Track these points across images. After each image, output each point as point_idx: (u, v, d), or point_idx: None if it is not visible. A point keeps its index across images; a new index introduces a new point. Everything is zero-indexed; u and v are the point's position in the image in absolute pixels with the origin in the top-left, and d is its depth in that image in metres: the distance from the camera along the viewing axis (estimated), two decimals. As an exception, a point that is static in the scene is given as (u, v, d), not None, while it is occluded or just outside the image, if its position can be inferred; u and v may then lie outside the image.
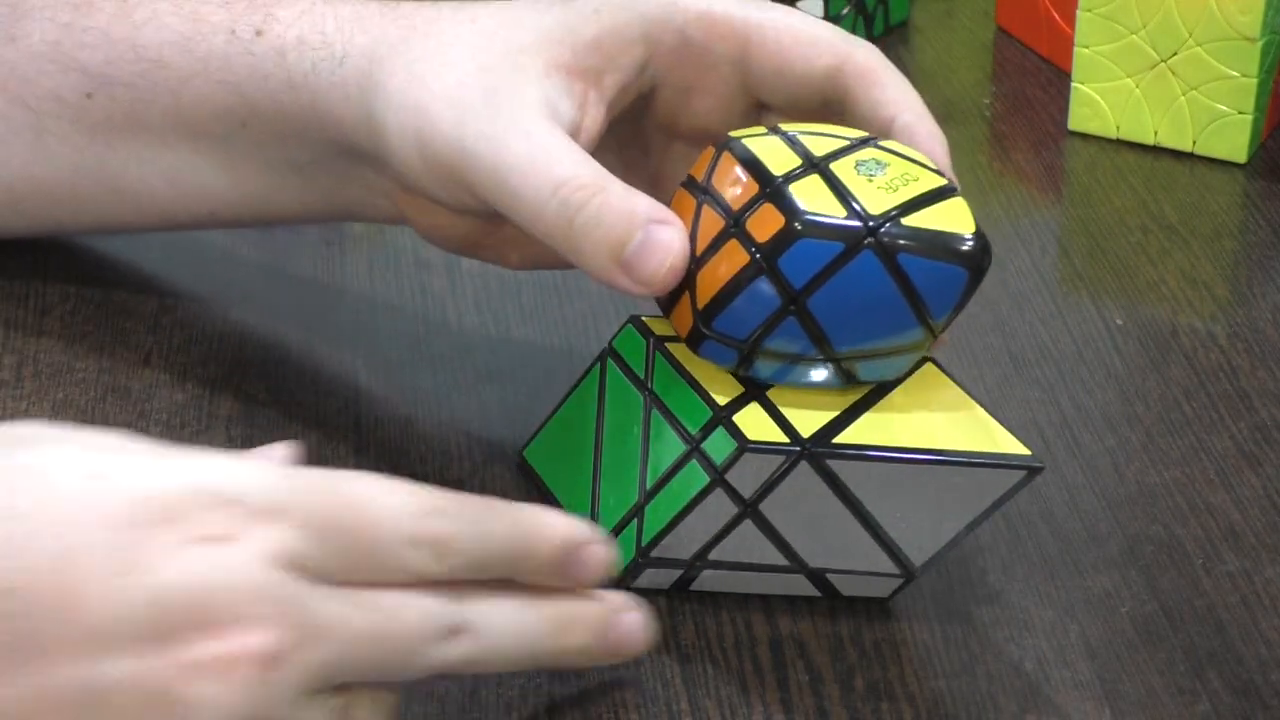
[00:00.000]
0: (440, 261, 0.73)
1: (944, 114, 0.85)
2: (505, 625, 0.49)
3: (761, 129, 0.57)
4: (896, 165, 0.55)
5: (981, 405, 0.56)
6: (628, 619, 0.52)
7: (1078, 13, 0.81)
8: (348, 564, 0.47)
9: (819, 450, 0.53)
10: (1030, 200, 0.80)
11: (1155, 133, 0.82)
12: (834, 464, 0.53)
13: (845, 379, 0.54)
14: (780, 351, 0.54)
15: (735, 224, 0.53)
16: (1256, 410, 0.66)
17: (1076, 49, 0.82)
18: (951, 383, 0.56)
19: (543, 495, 0.59)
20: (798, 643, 0.56)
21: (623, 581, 0.56)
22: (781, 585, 0.57)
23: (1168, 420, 0.65)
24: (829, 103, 0.60)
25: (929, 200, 0.54)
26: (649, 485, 0.55)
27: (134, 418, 0.63)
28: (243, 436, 0.63)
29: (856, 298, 0.53)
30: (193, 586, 0.45)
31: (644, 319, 0.57)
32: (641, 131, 0.62)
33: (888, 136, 0.57)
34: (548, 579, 0.50)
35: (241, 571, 0.45)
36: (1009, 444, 0.55)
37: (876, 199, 0.53)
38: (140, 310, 0.69)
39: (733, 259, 0.53)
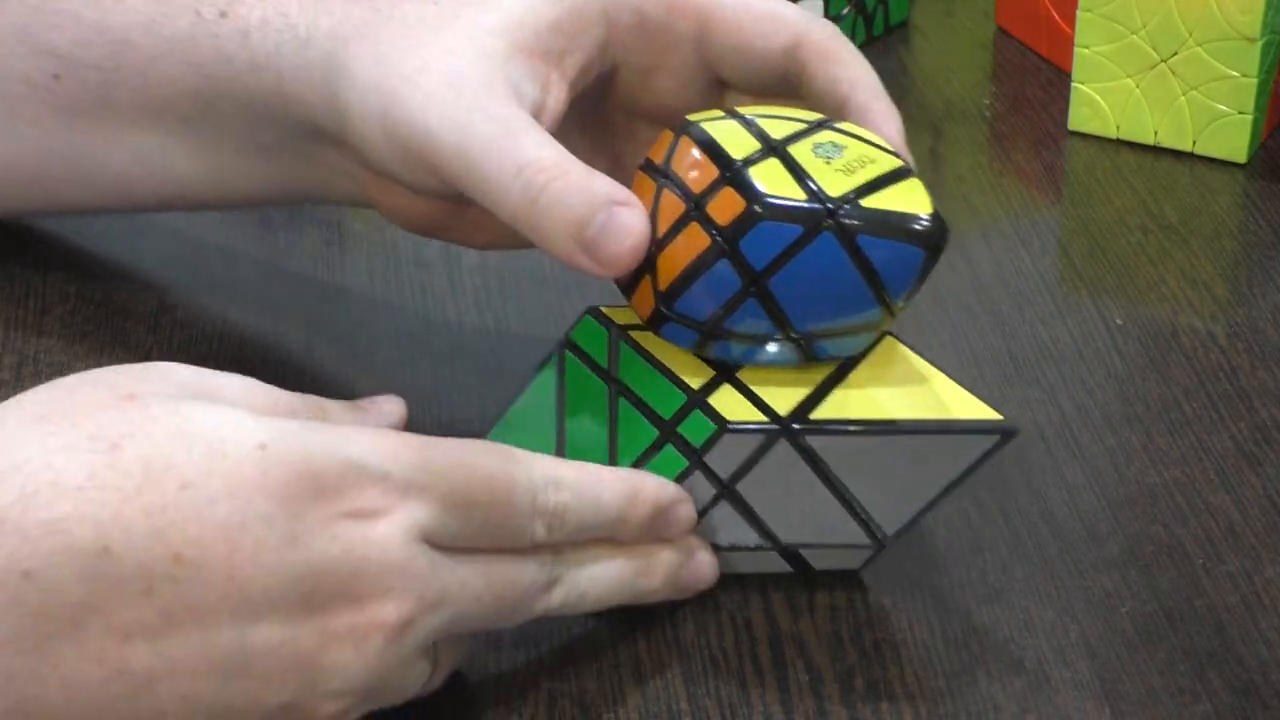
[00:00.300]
0: (440, 261, 0.73)
1: (944, 114, 0.85)
2: (596, 575, 0.54)
3: (718, 112, 0.57)
4: (853, 147, 0.55)
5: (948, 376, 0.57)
6: (698, 559, 0.56)
7: (1078, 13, 0.81)
8: (476, 534, 0.51)
9: (798, 428, 0.54)
10: (1030, 200, 0.80)
11: (1155, 133, 0.82)
12: (812, 440, 0.54)
13: (805, 357, 0.55)
14: (741, 332, 0.54)
15: (696, 207, 0.54)
16: (1256, 410, 0.66)
17: (1076, 49, 0.82)
18: (914, 354, 0.57)
19: None
20: (798, 643, 0.56)
21: None
22: (754, 564, 0.57)
23: (1168, 420, 0.65)
24: (787, 79, 0.61)
25: (886, 182, 0.54)
26: None
27: (134, 418, 0.63)
28: (243, 436, 0.63)
29: (816, 279, 0.54)
30: (343, 560, 0.48)
31: (602, 309, 0.57)
32: (603, 112, 0.63)
33: (843, 113, 0.59)
34: (640, 538, 0.54)
35: (386, 546, 0.48)
36: (981, 410, 0.56)
37: (835, 181, 0.54)
38: (140, 310, 0.69)
39: (694, 242, 0.54)
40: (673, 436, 0.54)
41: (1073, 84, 0.83)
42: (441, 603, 0.49)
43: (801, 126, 0.56)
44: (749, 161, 0.54)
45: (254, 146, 0.64)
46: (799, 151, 0.55)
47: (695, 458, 0.54)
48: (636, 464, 0.55)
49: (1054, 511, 0.61)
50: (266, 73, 0.61)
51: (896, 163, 0.55)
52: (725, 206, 0.54)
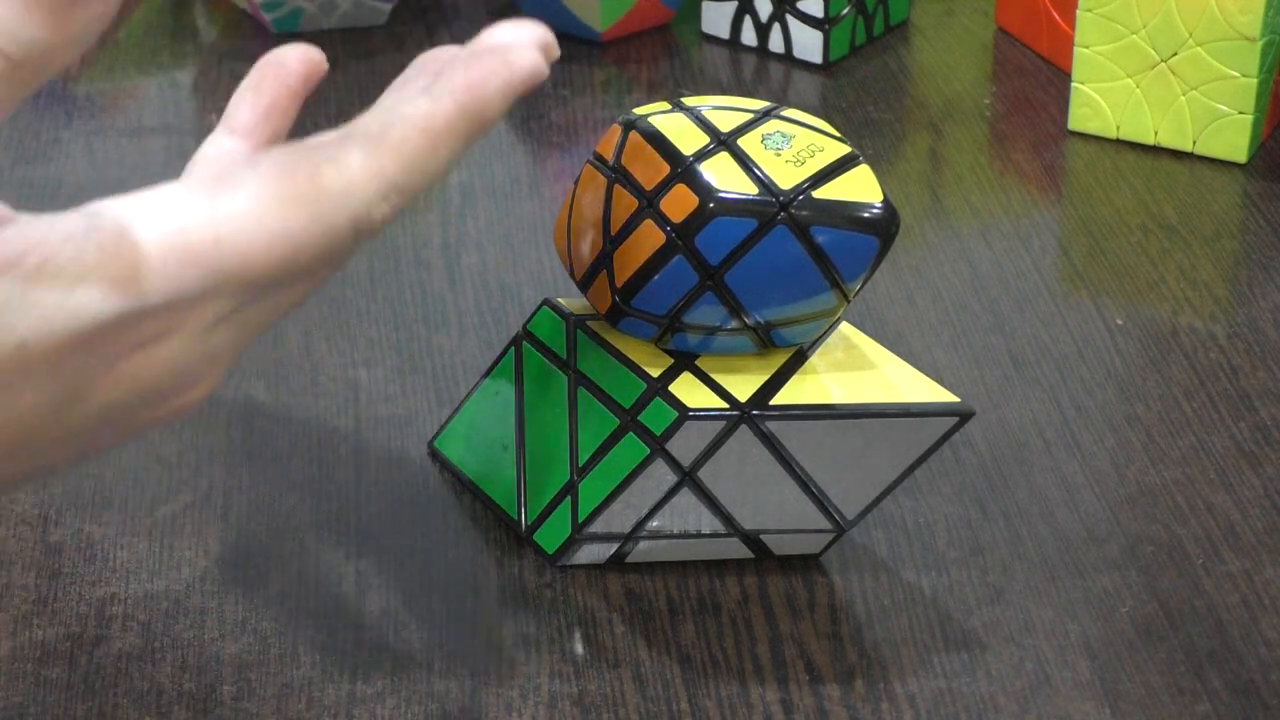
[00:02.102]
0: (440, 261, 0.73)
1: (944, 114, 0.85)
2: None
3: (664, 104, 0.57)
4: (801, 136, 0.56)
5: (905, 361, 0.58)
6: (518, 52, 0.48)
7: (1078, 13, 0.81)
8: (273, 291, 0.46)
9: (757, 414, 0.55)
10: (1030, 200, 0.80)
11: (1155, 133, 0.82)
12: (772, 425, 0.55)
13: (762, 345, 0.56)
14: (699, 324, 0.55)
15: (649, 204, 0.54)
16: (1256, 410, 0.66)
17: (1076, 49, 0.82)
18: (870, 340, 0.58)
19: (458, 482, 0.61)
20: (798, 643, 0.56)
21: (558, 560, 0.58)
22: (715, 550, 0.58)
23: (1168, 420, 0.65)
24: None
25: (836, 170, 0.55)
26: (581, 463, 0.57)
27: (134, 418, 0.63)
28: (242, 436, 0.63)
29: (772, 270, 0.54)
30: (139, 390, 0.44)
31: (559, 300, 0.58)
32: None
33: None
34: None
35: (186, 353, 0.44)
36: (939, 393, 0.56)
37: (786, 173, 0.54)
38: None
39: (649, 239, 0.54)
40: (634, 425, 0.55)
41: (1073, 84, 0.83)
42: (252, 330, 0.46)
43: (748, 117, 0.56)
44: (700, 156, 0.54)
45: None
46: (748, 144, 0.55)
47: (657, 445, 0.55)
48: (598, 453, 0.56)
49: (1054, 511, 0.61)
50: None
51: (844, 149, 0.56)
52: (679, 203, 0.54)
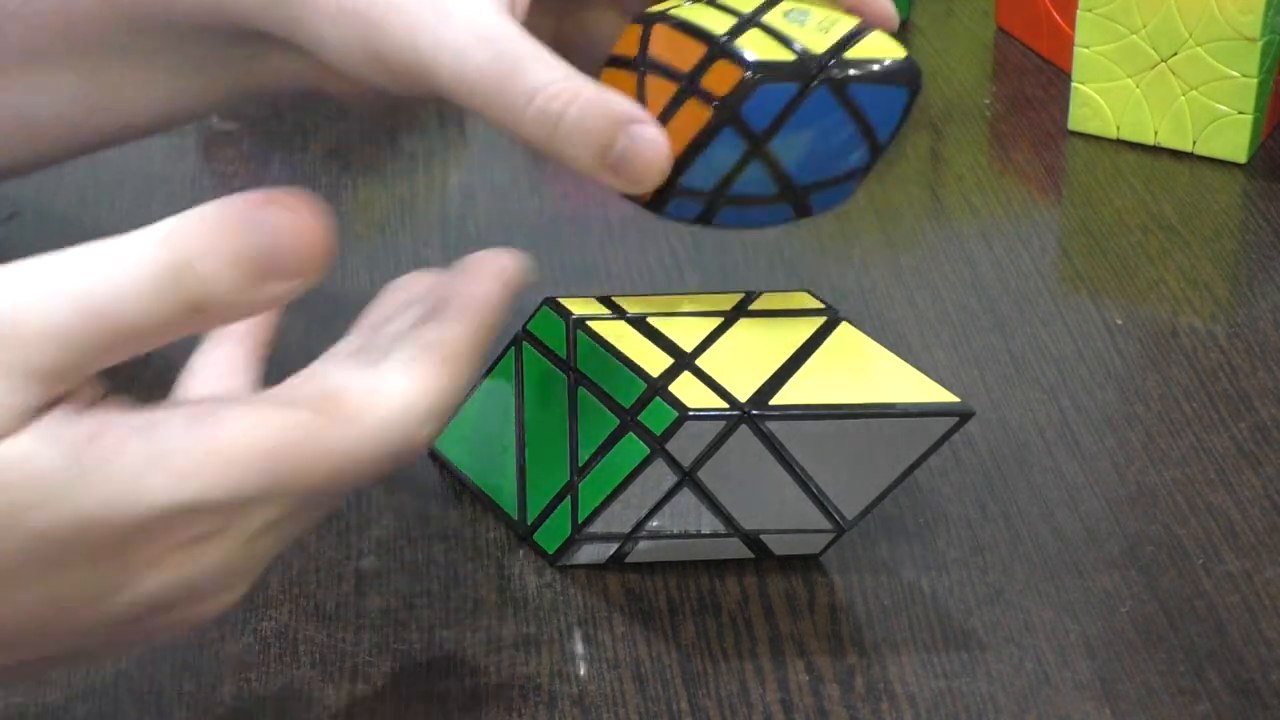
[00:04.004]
0: (440, 261, 0.73)
1: (944, 114, 0.85)
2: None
3: (675, 0, 0.59)
4: (815, 10, 0.58)
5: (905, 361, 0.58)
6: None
7: (1078, 13, 0.81)
8: (320, 503, 0.47)
9: (758, 413, 0.55)
10: (1030, 200, 0.80)
11: (1155, 133, 0.82)
12: (772, 425, 0.55)
13: (798, 214, 0.58)
14: (744, 195, 0.57)
15: (690, 84, 0.56)
16: (1256, 410, 0.66)
17: (1076, 49, 0.82)
18: (870, 340, 0.58)
19: (459, 483, 0.61)
20: (798, 643, 0.56)
21: (558, 560, 0.58)
22: (715, 550, 0.58)
23: (1168, 420, 0.65)
24: None
25: (857, 35, 0.58)
26: (581, 463, 0.57)
27: (134, 418, 0.63)
28: (243, 436, 0.63)
29: (814, 132, 0.56)
30: (177, 585, 0.45)
31: (559, 300, 0.58)
32: None
33: None
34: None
35: (225, 559, 0.45)
36: (938, 393, 0.56)
37: (815, 40, 0.57)
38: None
39: (694, 116, 0.56)
40: (634, 425, 0.55)
41: (1073, 84, 0.83)
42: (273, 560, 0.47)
43: (761, 1, 0.58)
44: (733, 33, 0.56)
45: (190, 65, 0.63)
46: (773, 20, 0.57)
47: (657, 445, 0.55)
48: (597, 453, 0.56)
49: (1054, 511, 0.61)
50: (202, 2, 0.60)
51: (856, 20, 0.59)
52: (722, 78, 0.56)
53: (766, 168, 0.57)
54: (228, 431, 0.44)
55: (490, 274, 0.51)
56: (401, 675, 0.55)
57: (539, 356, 0.58)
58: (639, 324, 0.57)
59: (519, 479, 0.59)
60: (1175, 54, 0.80)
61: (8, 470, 0.41)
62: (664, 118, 0.56)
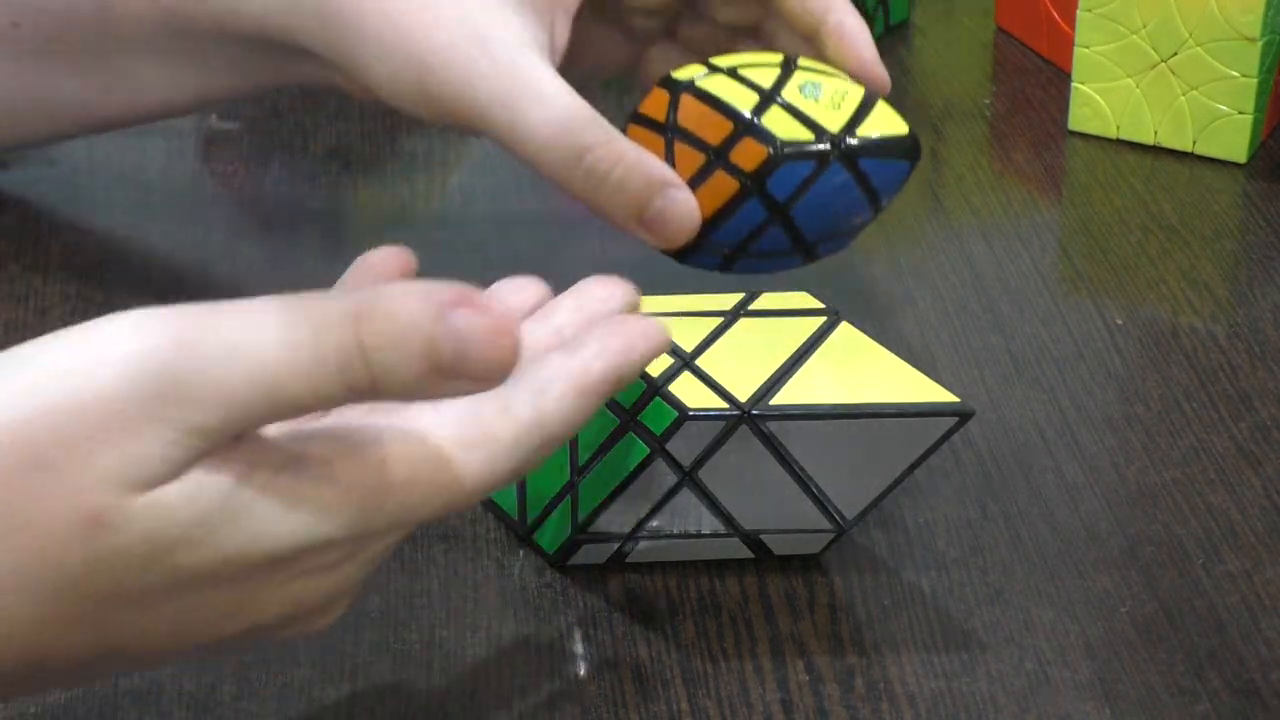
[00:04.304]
0: (441, 261, 0.73)
1: (944, 114, 0.85)
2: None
3: (700, 68, 0.64)
4: (827, 84, 0.64)
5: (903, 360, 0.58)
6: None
7: (1078, 13, 0.81)
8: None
9: (758, 414, 0.55)
10: (1030, 200, 0.80)
11: (1155, 133, 0.82)
12: (773, 425, 0.55)
13: (807, 259, 0.65)
14: (761, 251, 0.63)
15: (718, 157, 0.62)
16: (1256, 410, 0.66)
17: (1076, 49, 0.82)
18: (870, 340, 0.59)
19: None
20: (798, 643, 0.56)
21: (558, 560, 0.58)
22: (715, 550, 0.58)
23: (1168, 420, 0.65)
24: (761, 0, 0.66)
25: (866, 109, 0.64)
26: (581, 463, 0.57)
27: (134, 418, 0.63)
28: (243, 436, 0.63)
29: (827, 200, 0.63)
30: (292, 609, 0.45)
31: None
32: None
33: (818, 32, 0.66)
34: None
35: (341, 583, 0.46)
36: (938, 393, 0.57)
37: (830, 118, 0.63)
38: (143, 305, 0.69)
39: (722, 186, 0.62)
40: (634, 425, 0.55)
41: (1073, 84, 0.83)
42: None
43: (777, 71, 0.64)
44: (758, 111, 0.62)
45: (223, 65, 0.65)
46: (790, 96, 0.63)
47: (657, 445, 0.55)
48: (597, 454, 0.56)
49: (1054, 511, 0.61)
50: (247, 18, 0.62)
51: (862, 88, 0.65)
52: (749, 154, 0.62)
53: (784, 230, 0.63)
54: (371, 467, 0.44)
55: (639, 329, 0.51)
56: (401, 675, 0.55)
57: None
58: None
59: (519, 482, 0.59)
60: (1175, 54, 0.80)
61: (156, 518, 0.42)
62: (693, 184, 0.62)
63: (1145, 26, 0.80)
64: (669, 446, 0.55)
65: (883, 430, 0.56)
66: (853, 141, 0.63)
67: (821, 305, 0.60)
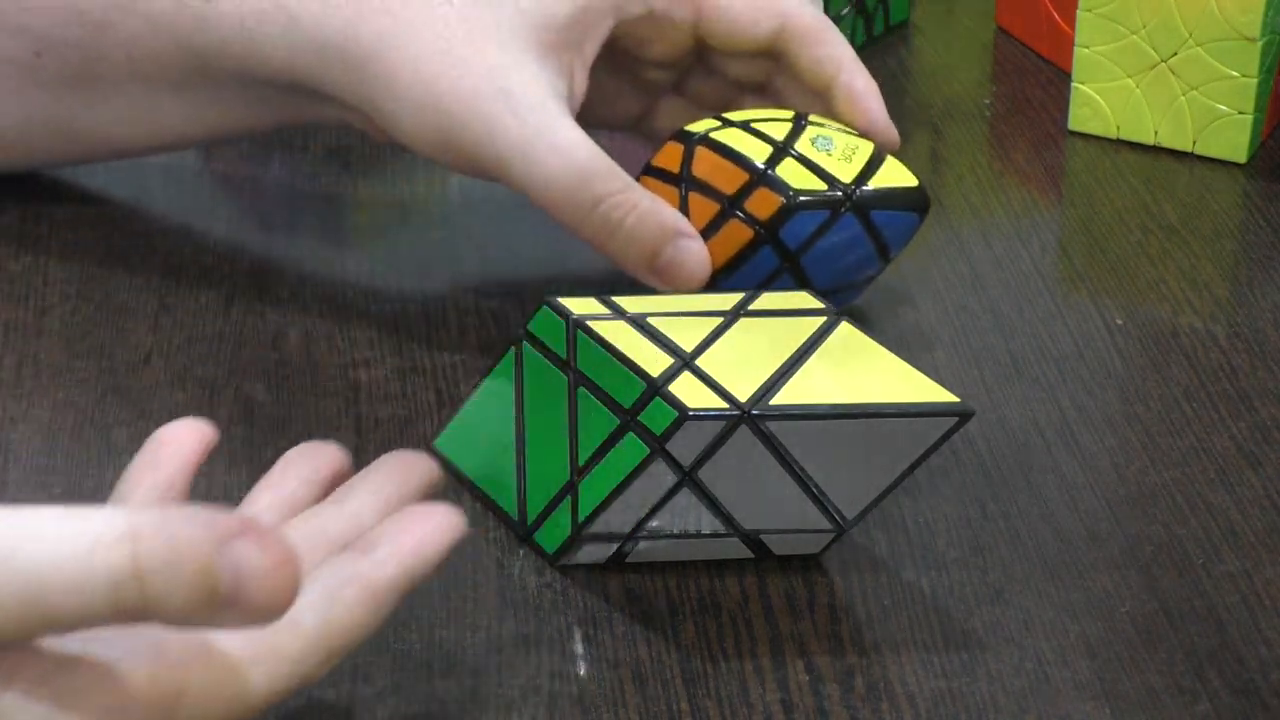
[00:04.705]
0: (440, 262, 0.73)
1: (944, 114, 0.85)
2: None
3: (714, 122, 0.67)
4: (838, 138, 0.67)
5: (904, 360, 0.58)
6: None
7: (1078, 13, 0.81)
8: None
9: (758, 414, 0.55)
10: (1030, 200, 0.80)
11: (1155, 133, 0.82)
12: (773, 425, 0.55)
13: None
14: None
15: (732, 206, 0.65)
16: (1256, 410, 0.66)
17: (1076, 49, 0.82)
18: (870, 340, 0.58)
19: (459, 483, 0.60)
20: (798, 643, 0.56)
21: (558, 559, 0.58)
22: (715, 550, 0.58)
23: (1168, 420, 0.65)
24: (772, 57, 0.68)
25: (876, 163, 0.67)
26: (581, 462, 0.57)
27: (134, 417, 0.63)
28: (243, 436, 0.63)
29: (838, 250, 0.66)
30: None
31: (560, 300, 0.58)
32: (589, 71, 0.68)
33: (829, 89, 0.68)
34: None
35: None
36: (938, 393, 0.57)
37: (842, 169, 0.66)
38: (140, 310, 0.69)
39: (736, 235, 0.65)
40: (634, 425, 0.55)
41: (1073, 84, 0.83)
42: None
43: (789, 126, 0.67)
44: (771, 163, 0.65)
45: (243, 104, 0.66)
46: (804, 148, 0.66)
47: (657, 445, 0.55)
48: (597, 453, 0.56)
49: (1054, 511, 0.61)
50: (272, 62, 0.63)
51: (872, 145, 0.67)
52: (763, 204, 0.65)
53: (795, 277, 0.66)
54: (158, 674, 0.43)
55: (424, 519, 0.50)
56: (401, 675, 0.55)
57: (539, 357, 0.58)
58: (639, 324, 0.57)
59: (519, 479, 0.59)
60: (1175, 54, 0.80)
61: None
62: (706, 233, 0.65)
63: (1145, 26, 0.80)
64: (669, 446, 0.55)
65: (883, 430, 0.56)
66: (864, 192, 0.66)
67: (822, 305, 0.59)
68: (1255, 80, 0.79)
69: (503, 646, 0.56)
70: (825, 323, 0.58)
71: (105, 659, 0.42)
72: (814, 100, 0.68)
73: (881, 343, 0.58)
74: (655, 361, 0.56)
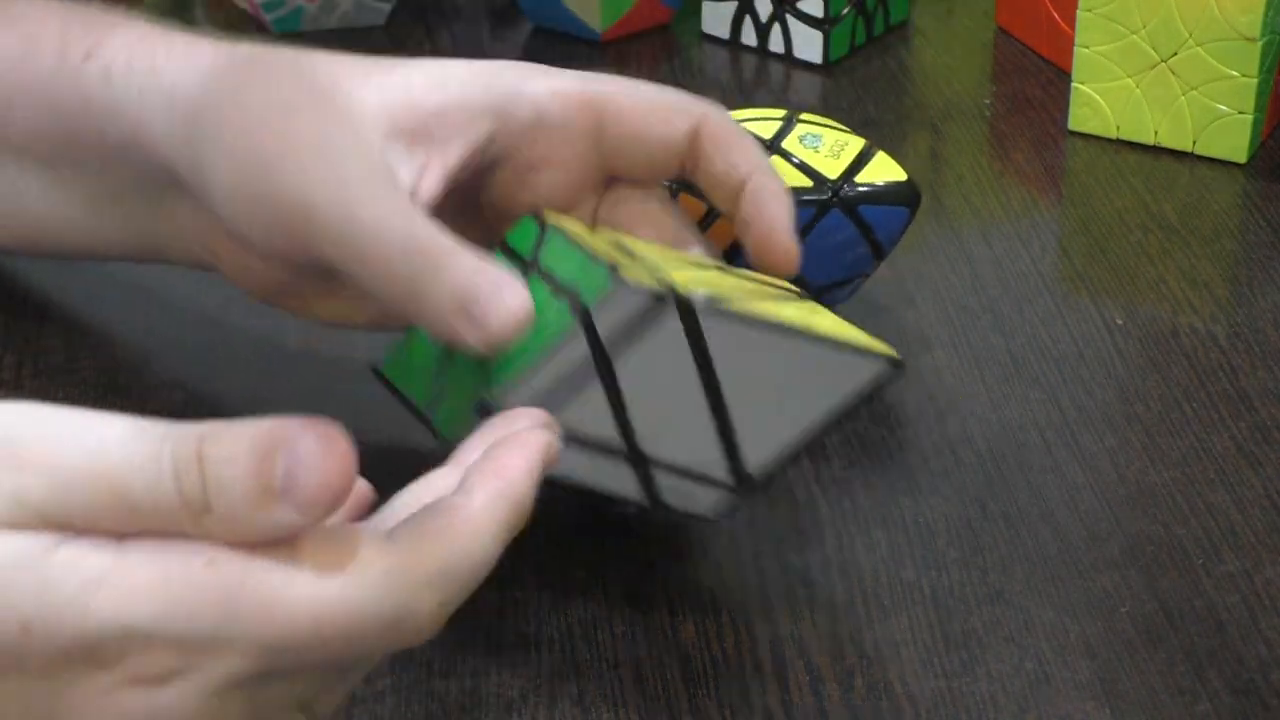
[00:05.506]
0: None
1: (944, 114, 0.85)
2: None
3: None
4: (827, 135, 0.67)
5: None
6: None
7: (1078, 13, 0.81)
8: (297, 669, 0.43)
9: (689, 298, 0.52)
10: (1030, 200, 0.80)
11: (1155, 133, 0.82)
12: (704, 321, 0.53)
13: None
14: None
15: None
16: (1256, 410, 0.66)
17: (1076, 49, 0.82)
18: (834, 315, 0.57)
19: (401, 403, 0.58)
20: (798, 643, 0.56)
21: (449, 439, 0.54)
22: (599, 475, 0.55)
23: (1168, 420, 0.65)
24: (683, 166, 0.60)
25: (865, 158, 0.67)
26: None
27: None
28: (243, 436, 0.63)
29: (828, 245, 0.66)
30: None
31: (546, 211, 0.57)
32: (474, 205, 0.61)
33: (740, 195, 0.60)
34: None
35: (180, 708, 0.42)
36: (877, 345, 0.55)
37: (829, 166, 0.66)
38: (140, 310, 0.69)
39: (723, 233, 0.63)
40: (567, 295, 0.53)
41: (1073, 84, 0.83)
42: None
43: (779, 124, 0.67)
44: None
45: (108, 193, 0.62)
46: (791, 146, 0.66)
47: (582, 313, 0.52)
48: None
49: (1054, 511, 0.61)
50: (124, 119, 0.59)
51: (863, 140, 0.67)
52: None
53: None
54: (195, 563, 0.42)
55: (522, 444, 0.48)
56: (401, 675, 0.55)
57: (506, 262, 0.56)
58: (618, 244, 0.56)
59: (440, 375, 0.56)
60: (1175, 54, 0.80)
61: None
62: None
63: (1145, 26, 0.80)
64: (595, 314, 0.52)
65: (810, 360, 0.54)
66: (851, 188, 0.65)
67: (798, 291, 0.59)
68: (1255, 80, 0.79)
69: (503, 647, 0.56)
70: (796, 293, 0.58)
71: (162, 542, 0.42)
72: (731, 202, 0.61)
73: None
74: (619, 261, 0.54)
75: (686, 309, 0.53)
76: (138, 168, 0.61)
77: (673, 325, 0.53)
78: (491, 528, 0.45)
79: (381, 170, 0.55)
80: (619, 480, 0.56)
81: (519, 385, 0.53)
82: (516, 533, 0.46)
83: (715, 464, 0.55)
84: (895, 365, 0.55)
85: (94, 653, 0.41)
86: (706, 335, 0.53)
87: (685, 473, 0.56)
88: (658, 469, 0.56)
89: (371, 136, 0.56)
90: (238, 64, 0.58)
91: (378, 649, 0.44)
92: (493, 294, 0.53)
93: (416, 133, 0.57)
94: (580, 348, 0.53)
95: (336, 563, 0.42)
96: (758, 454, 0.55)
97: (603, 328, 0.53)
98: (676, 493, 0.56)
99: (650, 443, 0.55)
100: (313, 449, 0.41)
